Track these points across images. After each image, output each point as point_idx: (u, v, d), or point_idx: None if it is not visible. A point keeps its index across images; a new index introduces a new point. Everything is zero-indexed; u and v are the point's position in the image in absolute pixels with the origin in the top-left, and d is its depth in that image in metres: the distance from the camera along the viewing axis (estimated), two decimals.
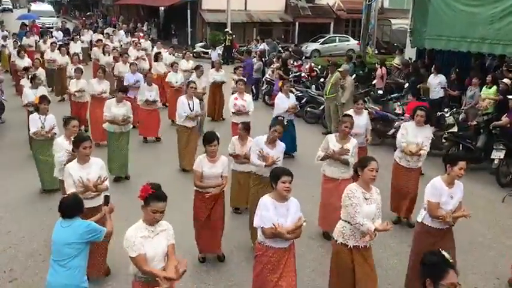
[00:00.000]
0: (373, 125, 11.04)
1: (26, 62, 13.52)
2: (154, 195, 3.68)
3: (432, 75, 11.99)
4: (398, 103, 11.71)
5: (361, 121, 7.80)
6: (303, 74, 16.04)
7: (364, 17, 19.55)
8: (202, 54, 25.23)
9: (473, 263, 6.05)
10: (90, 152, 5.17)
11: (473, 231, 6.76)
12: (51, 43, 15.92)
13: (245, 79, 10.55)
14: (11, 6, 65.36)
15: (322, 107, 12.35)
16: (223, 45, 24.63)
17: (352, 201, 4.49)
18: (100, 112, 9.41)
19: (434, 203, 4.86)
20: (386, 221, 4.63)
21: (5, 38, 19.23)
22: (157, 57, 13.88)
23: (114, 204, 4.92)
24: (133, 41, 17.78)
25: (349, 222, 4.55)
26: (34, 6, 41.96)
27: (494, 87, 10.24)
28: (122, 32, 23.52)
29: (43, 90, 9.65)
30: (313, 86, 14.49)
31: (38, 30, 23.21)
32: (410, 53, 15.13)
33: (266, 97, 14.90)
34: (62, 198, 4.36)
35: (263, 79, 15.56)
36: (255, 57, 16.58)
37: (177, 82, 11.88)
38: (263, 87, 15.51)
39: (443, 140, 9.90)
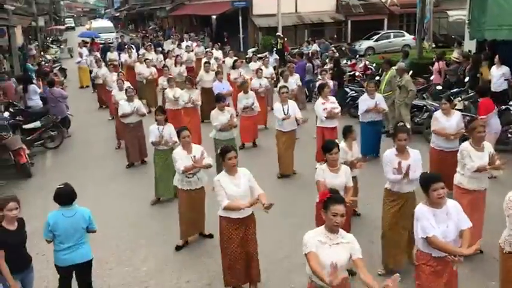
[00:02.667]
0: None
1: (115, 76, 13.49)
2: (332, 198, 3.71)
3: (495, 67, 11.44)
4: (459, 98, 11.25)
5: (452, 122, 7.42)
6: (357, 73, 15.78)
7: (418, 11, 18.93)
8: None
9: None
10: (236, 163, 5.17)
11: None
12: (145, 59, 16.10)
13: (287, 86, 10.24)
14: (73, 25, 69.43)
15: None
16: (275, 49, 24.64)
17: None
18: (193, 121, 10.55)
19: None
20: None
21: (81, 54, 19.96)
22: (234, 65, 14.38)
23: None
24: (206, 52, 18.14)
25: None
26: (95, 23, 43.97)
27: None
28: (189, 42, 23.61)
29: (138, 102, 10.00)
30: None
31: (98, 47, 24.16)
32: (469, 45, 14.47)
33: None
34: (58, 189, 4.90)
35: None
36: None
37: (261, 87, 12.24)
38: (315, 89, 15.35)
39: (510, 135, 9.43)
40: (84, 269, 5.07)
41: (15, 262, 4.69)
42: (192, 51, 19.49)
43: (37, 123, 11.28)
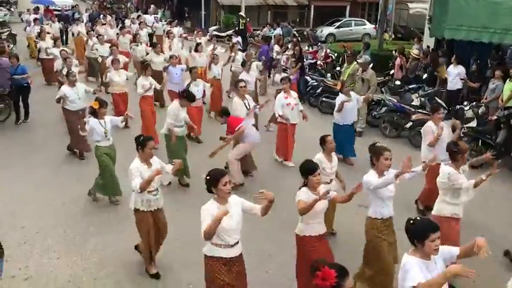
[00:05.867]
0: (390, 117, 10.93)
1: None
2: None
3: (452, 66, 11.71)
4: (416, 94, 11.49)
5: (445, 132, 6.96)
6: (318, 62, 15.78)
7: (381, 2, 19.10)
8: (227, 40, 23.79)
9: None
10: (230, 191, 4.26)
11: (492, 233, 6.53)
12: (98, 35, 14.83)
13: (290, 76, 9.83)
14: None
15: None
16: (236, 29, 24.20)
17: None
18: (150, 111, 9.46)
19: None
20: None
21: (30, 23, 18.77)
22: (197, 48, 12.84)
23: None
24: (168, 31, 16.21)
25: None
26: None
27: None
28: (151, 17, 21.88)
29: (83, 87, 9.07)
30: (329, 74, 14.27)
31: (53, 16, 22.92)
32: (428, 41, 14.75)
33: None
34: None
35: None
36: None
37: (219, 74, 11.49)
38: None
39: (462, 135, 9.70)
40: None
41: None
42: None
43: None
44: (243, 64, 11.29)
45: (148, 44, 15.52)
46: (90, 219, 6.88)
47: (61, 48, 12.08)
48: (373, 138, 9.87)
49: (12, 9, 34.62)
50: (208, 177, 4.20)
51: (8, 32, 20.89)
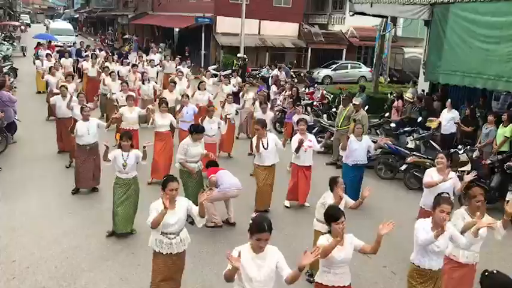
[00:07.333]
0: (385, 158, 11.01)
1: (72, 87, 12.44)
2: None
3: (446, 110, 11.90)
4: (411, 137, 11.61)
5: (448, 183, 6.67)
6: (314, 103, 16.00)
7: (377, 46, 19.55)
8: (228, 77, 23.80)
9: None
10: (266, 244, 3.94)
11: None
12: (110, 72, 14.61)
13: (307, 118, 10.01)
14: (29, 21, 67.23)
15: (333, 137, 12.23)
16: (232, 69, 24.58)
17: None
18: (163, 147, 9.65)
19: None
20: None
21: (42, 58, 18.83)
22: (199, 86, 13.13)
23: None
24: (177, 70, 16.41)
25: None
26: (53, 24, 42.41)
27: (511, 126, 10.09)
28: (157, 56, 22.02)
29: (95, 122, 9.03)
30: (325, 115, 14.44)
31: (54, 51, 23.27)
32: (423, 85, 15.03)
33: (277, 124, 14.84)
34: None
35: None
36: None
37: (230, 114, 11.56)
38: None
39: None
40: None
41: None
42: (157, 65, 18.64)
43: None
44: (260, 104, 11.56)
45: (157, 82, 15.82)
46: (81, 255, 6.78)
47: (60, 84, 12.09)
48: (368, 179, 9.97)
49: (15, 44, 35.19)
50: (251, 222, 3.97)
51: (9, 66, 21.22)
